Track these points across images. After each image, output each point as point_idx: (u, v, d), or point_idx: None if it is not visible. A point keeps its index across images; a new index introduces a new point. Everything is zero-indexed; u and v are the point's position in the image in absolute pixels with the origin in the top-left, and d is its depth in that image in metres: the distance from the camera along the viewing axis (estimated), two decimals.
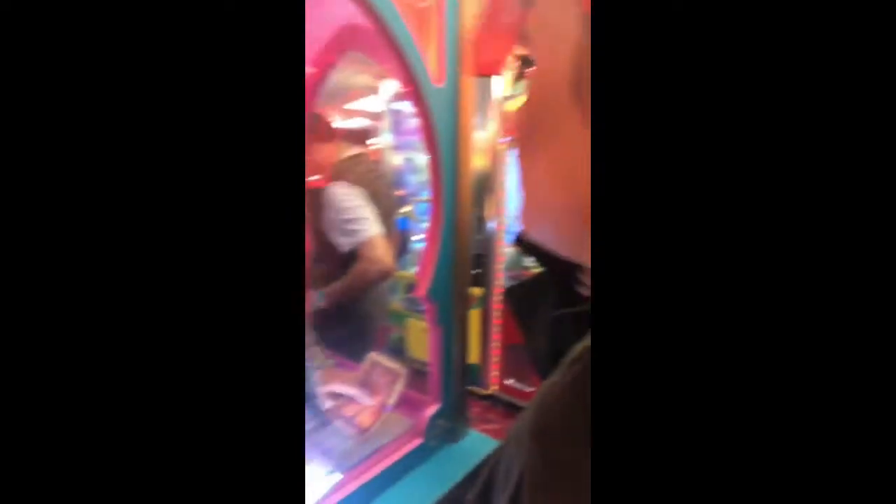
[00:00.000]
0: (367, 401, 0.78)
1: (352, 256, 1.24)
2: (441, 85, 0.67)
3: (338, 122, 1.48)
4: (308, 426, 0.81)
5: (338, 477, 0.67)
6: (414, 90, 0.64)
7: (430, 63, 0.65)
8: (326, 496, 0.63)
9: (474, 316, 2.12)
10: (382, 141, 2.56)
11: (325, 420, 0.82)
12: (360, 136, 1.58)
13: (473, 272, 1.24)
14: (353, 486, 0.65)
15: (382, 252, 1.24)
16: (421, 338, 1.89)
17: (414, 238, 2.40)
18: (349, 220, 1.23)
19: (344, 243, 1.24)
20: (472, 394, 1.31)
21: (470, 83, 0.72)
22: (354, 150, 1.40)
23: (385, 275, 1.27)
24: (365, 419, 0.78)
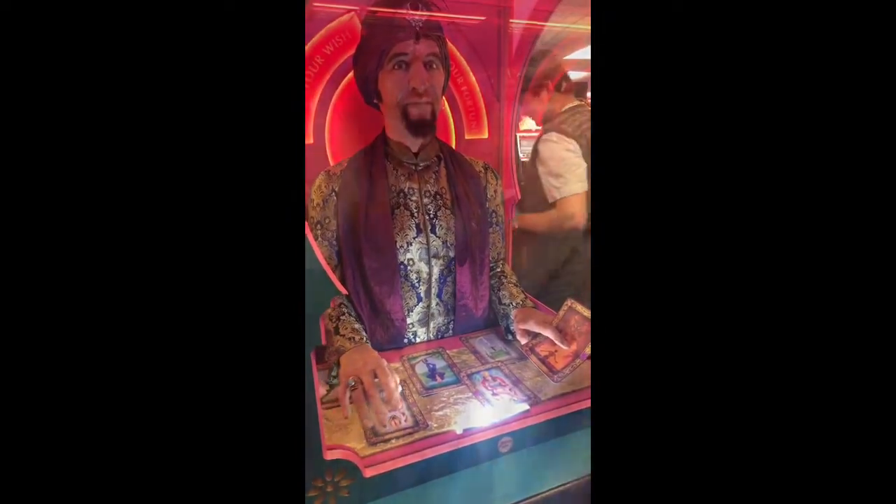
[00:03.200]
0: (563, 344, 0.75)
1: (553, 204, 1.34)
2: None
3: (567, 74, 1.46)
4: (505, 357, 0.84)
5: (523, 408, 0.67)
6: None
7: None
8: (506, 421, 0.64)
9: None
10: None
11: (520, 354, 0.83)
12: (584, 87, 1.52)
13: None
14: (533, 421, 0.65)
15: (577, 211, 1.29)
16: None
17: None
18: (555, 175, 1.31)
19: (548, 195, 1.33)
20: None
21: None
22: (574, 102, 1.41)
23: (574, 230, 1.33)
24: (557, 361, 0.76)
